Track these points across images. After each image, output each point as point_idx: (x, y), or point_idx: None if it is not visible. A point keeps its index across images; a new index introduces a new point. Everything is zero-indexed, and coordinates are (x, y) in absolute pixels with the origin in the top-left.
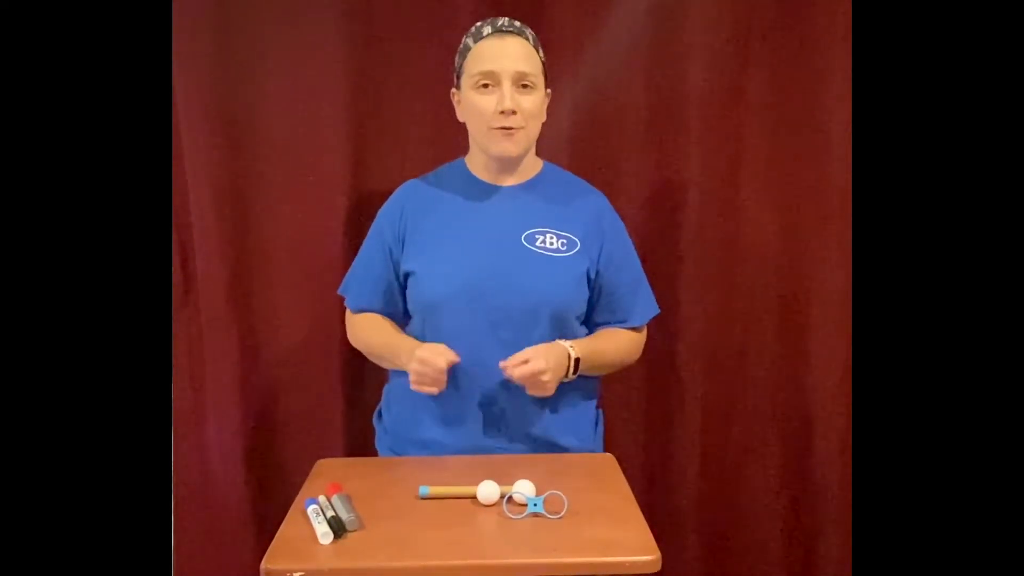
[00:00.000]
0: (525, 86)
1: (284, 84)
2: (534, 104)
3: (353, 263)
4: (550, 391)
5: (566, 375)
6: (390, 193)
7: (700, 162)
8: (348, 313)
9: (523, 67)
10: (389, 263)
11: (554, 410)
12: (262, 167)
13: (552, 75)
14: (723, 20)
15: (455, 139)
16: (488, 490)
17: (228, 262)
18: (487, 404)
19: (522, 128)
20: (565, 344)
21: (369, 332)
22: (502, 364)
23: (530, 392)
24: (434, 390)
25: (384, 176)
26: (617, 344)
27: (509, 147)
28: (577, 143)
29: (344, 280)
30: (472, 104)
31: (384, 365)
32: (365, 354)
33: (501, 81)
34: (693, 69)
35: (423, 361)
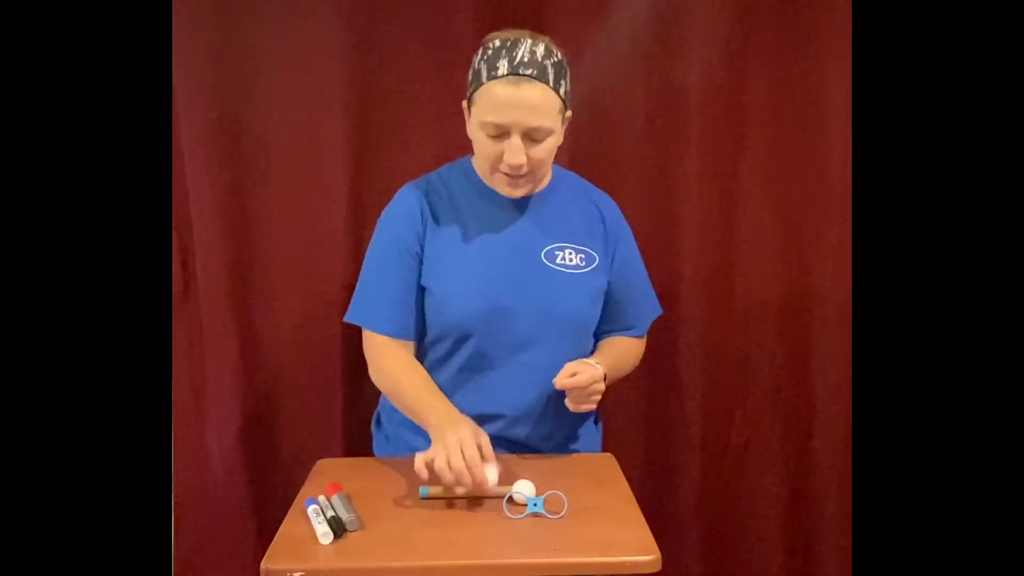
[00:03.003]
0: (536, 139)
1: (284, 84)
2: (544, 151)
3: (363, 284)
4: (595, 404)
5: None
6: (390, 194)
7: (700, 161)
8: (375, 342)
9: (536, 122)
10: (415, 270)
11: (561, 420)
12: (262, 167)
13: None
14: (723, 18)
15: (456, 139)
16: (490, 474)
17: (228, 262)
18: (501, 421)
19: (529, 173)
20: (592, 361)
21: (401, 381)
22: (555, 382)
23: (577, 406)
24: (449, 477)
25: (384, 177)
26: (628, 356)
27: (513, 192)
28: (577, 142)
29: (356, 305)
30: (479, 144)
31: (409, 416)
32: (386, 393)
33: (511, 134)
34: (693, 67)
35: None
